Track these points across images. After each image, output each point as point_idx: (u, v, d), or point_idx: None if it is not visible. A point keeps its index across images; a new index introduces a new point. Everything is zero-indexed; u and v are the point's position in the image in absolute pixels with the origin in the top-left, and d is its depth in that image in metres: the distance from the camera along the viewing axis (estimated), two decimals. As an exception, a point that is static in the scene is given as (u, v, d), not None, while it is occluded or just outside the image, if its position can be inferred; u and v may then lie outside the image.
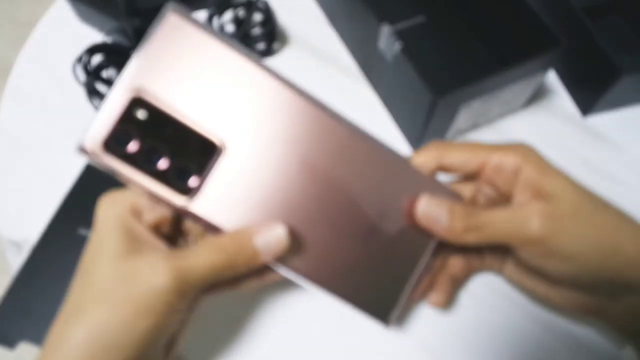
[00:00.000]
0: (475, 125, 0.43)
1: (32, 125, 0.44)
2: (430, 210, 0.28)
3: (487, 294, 0.36)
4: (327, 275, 0.28)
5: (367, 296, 0.29)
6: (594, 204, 0.27)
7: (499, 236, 0.27)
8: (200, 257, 0.25)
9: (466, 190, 0.31)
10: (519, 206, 0.27)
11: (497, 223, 0.27)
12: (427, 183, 0.29)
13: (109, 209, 0.25)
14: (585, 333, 0.34)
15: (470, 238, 0.27)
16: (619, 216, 0.27)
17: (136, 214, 0.26)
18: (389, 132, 0.44)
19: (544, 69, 0.40)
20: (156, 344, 0.25)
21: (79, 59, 0.43)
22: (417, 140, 0.41)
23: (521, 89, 0.41)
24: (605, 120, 0.44)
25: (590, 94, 0.43)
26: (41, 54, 0.49)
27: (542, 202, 0.26)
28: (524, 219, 0.26)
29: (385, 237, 0.29)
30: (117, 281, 0.24)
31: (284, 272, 0.28)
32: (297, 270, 0.28)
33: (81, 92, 0.44)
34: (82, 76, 0.43)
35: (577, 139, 0.43)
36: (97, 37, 0.49)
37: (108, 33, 0.47)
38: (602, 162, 0.42)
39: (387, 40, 0.39)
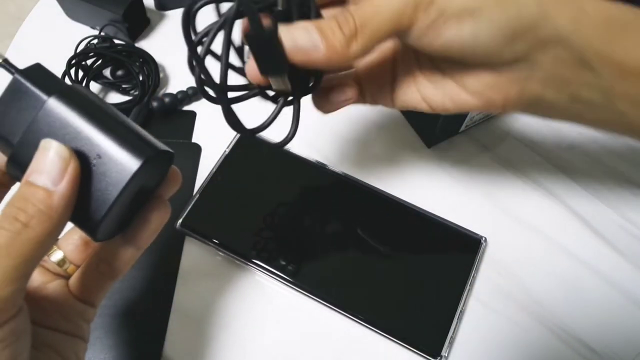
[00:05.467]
0: (486, 115, 0.42)
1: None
2: (297, 40, 0.23)
3: (494, 299, 0.35)
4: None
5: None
6: None
7: (386, 25, 0.23)
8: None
9: None
10: None
11: (377, 7, 0.23)
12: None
13: None
14: (599, 341, 0.33)
15: (356, 47, 0.23)
16: None
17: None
18: (399, 129, 0.42)
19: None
20: None
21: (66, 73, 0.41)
22: (430, 134, 0.40)
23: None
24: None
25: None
26: (30, 49, 0.47)
27: None
28: None
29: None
30: None
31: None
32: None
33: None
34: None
35: (588, 137, 0.42)
36: (87, 31, 0.48)
37: (101, 28, 0.45)
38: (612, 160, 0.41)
39: None
